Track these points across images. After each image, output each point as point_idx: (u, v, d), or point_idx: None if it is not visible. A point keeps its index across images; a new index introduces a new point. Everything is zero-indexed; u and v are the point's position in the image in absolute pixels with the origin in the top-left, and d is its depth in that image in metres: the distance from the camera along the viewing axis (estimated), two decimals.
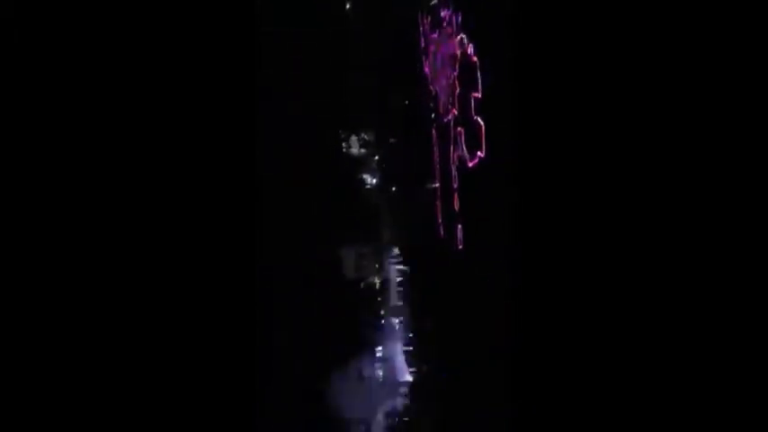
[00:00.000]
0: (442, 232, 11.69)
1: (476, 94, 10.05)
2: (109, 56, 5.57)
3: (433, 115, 11.70)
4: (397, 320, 10.94)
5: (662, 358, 5.38)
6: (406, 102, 11.28)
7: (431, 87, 11.85)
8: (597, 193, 5.89)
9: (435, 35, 11.31)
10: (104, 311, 5.48)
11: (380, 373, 10.73)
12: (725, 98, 5.38)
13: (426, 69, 11.89)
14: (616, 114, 5.82)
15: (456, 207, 10.78)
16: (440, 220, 11.79)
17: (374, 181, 11.31)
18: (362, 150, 11.16)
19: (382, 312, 11.01)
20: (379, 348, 10.89)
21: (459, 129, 10.54)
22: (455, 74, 10.54)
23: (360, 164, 11.23)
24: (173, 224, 5.54)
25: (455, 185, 10.79)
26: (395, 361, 10.92)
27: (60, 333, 5.46)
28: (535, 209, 6.29)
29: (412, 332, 10.89)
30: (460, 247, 10.73)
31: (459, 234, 10.64)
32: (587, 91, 5.98)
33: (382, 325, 10.93)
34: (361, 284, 11.45)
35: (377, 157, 11.28)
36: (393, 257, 11.24)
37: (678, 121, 5.58)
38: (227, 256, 5.84)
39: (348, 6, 10.17)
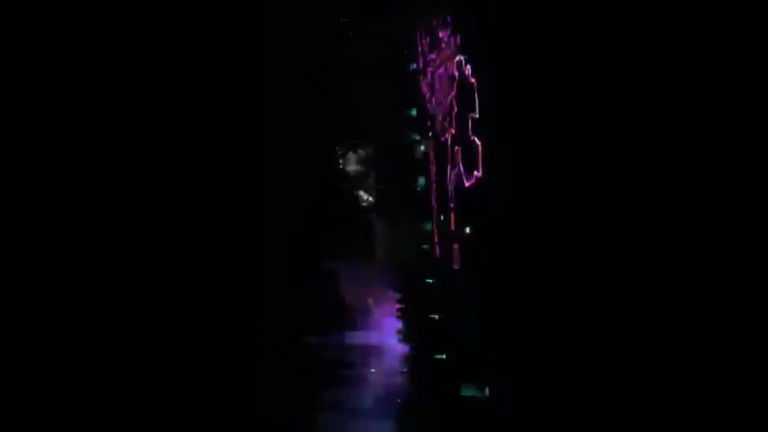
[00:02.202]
0: (438, 252, 11.65)
1: (473, 115, 10.12)
2: (108, 56, 5.54)
3: (430, 134, 11.72)
4: (392, 343, 10.87)
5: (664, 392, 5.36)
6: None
7: (428, 107, 11.88)
8: (596, 214, 5.88)
9: (433, 55, 11.37)
10: (102, 310, 5.42)
11: (370, 400, 10.62)
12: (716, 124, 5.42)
13: (424, 89, 11.94)
14: (613, 133, 5.83)
15: (452, 226, 10.77)
16: (436, 240, 11.76)
17: (370, 198, 11.27)
18: (359, 167, 11.14)
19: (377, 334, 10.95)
20: (373, 371, 10.78)
21: (456, 148, 10.59)
22: (453, 94, 10.60)
23: (356, 181, 11.21)
24: (169, 230, 5.49)
25: (452, 205, 10.79)
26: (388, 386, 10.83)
27: (59, 333, 5.39)
28: (533, 229, 6.27)
29: (409, 356, 10.83)
30: (456, 267, 10.69)
31: (456, 254, 10.61)
32: (585, 111, 5.99)
33: (376, 348, 10.85)
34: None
35: (374, 174, 11.26)
36: (388, 277, 11.18)
37: (681, 149, 5.60)
38: (221, 269, 5.78)
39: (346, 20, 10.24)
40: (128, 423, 5.37)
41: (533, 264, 5.99)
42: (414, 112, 11.28)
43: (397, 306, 11.36)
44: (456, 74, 10.33)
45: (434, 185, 11.37)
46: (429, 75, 11.52)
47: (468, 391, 8.36)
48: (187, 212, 5.49)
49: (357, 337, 10.60)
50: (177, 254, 5.50)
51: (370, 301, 10.70)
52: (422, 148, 11.13)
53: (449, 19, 10.69)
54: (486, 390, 8.61)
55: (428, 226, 11.28)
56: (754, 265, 5.32)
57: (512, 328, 6.16)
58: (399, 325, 11.16)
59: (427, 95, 11.63)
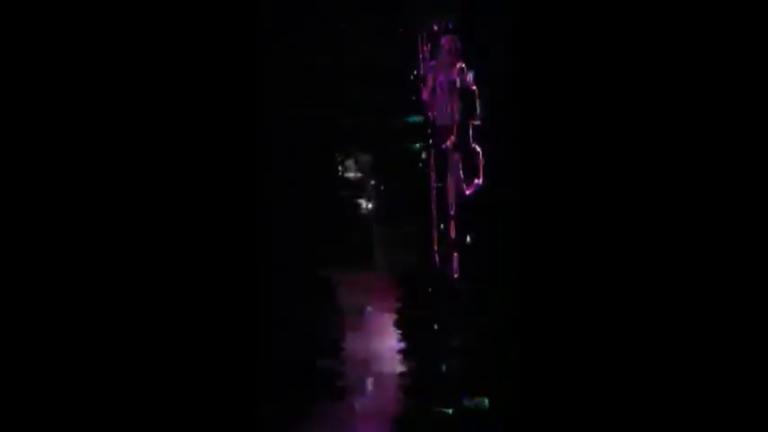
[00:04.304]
0: (437, 260, 11.57)
1: (474, 122, 10.13)
2: (107, 55, 5.50)
3: (430, 141, 11.66)
4: (392, 351, 10.75)
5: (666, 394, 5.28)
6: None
7: (428, 114, 11.82)
8: (597, 222, 5.82)
9: (434, 62, 11.33)
10: (105, 316, 5.36)
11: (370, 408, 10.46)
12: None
13: (424, 96, 11.88)
14: (615, 140, 5.79)
15: (452, 235, 10.74)
16: (435, 248, 11.68)
17: (370, 206, 11.18)
18: (359, 174, 11.04)
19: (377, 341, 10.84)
20: (371, 380, 10.66)
21: (456, 156, 10.59)
22: (453, 101, 10.58)
23: (356, 187, 11.11)
24: (171, 237, 5.43)
25: (452, 213, 10.77)
26: (387, 394, 10.69)
27: (62, 335, 5.32)
28: (534, 238, 6.21)
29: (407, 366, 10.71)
30: (456, 276, 10.64)
31: (456, 263, 10.57)
32: (587, 119, 5.94)
33: (377, 356, 10.73)
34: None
35: (373, 182, 11.18)
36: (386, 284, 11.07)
37: (685, 155, 5.54)
38: (220, 275, 5.71)
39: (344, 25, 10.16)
40: (130, 423, 5.33)
41: (537, 276, 5.94)
42: (414, 120, 11.23)
43: (396, 315, 11.26)
44: (457, 80, 10.30)
45: (434, 193, 11.32)
46: (430, 81, 11.47)
47: (470, 403, 8.25)
48: (189, 219, 5.45)
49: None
50: (179, 261, 5.46)
51: (369, 309, 10.59)
52: (422, 155, 11.10)
53: (451, 25, 10.66)
54: (486, 401, 8.52)
55: (428, 234, 11.20)
56: (756, 267, 5.26)
57: (518, 338, 6.08)
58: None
59: (428, 103, 11.58)
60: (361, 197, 11.26)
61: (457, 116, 10.54)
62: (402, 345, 11.14)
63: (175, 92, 5.69)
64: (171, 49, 5.68)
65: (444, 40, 10.91)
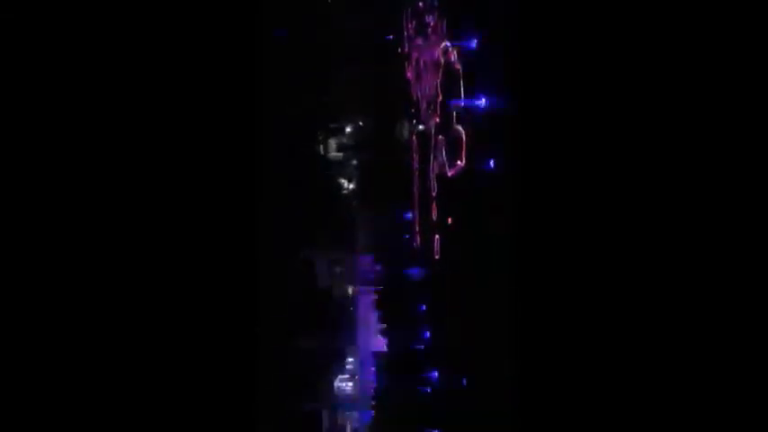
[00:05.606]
0: (418, 241, 11.49)
1: (458, 103, 9.92)
2: (109, 55, 5.35)
3: (414, 121, 11.51)
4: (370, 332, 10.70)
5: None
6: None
7: (412, 93, 11.65)
8: (576, 202, 5.75)
9: (419, 41, 11.13)
10: (100, 312, 5.25)
11: (350, 387, 10.42)
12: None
13: (409, 75, 11.69)
14: (597, 127, 5.72)
15: (434, 216, 10.60)
16: (417, 229, 11.59)
17: (351, 186, 11.03)
18: (340, 154, 10.86)
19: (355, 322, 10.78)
20: (350, 360, 10.61)
21: (439, 137, 10.39)
22: (438, 81, 10.36)
23: (337, 167, 10.94)
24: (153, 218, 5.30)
25: (434, 194, 10.62)
26: (366, 374, 10.65)
27: (63, 335, 5.22)
28: (516, 219, 6.15)
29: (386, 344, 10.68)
30: (437, 257, 10.55)
31: (436, 244, 10.46)
32: (573, 105, 5.86)
33: (354, 337, 10.68)
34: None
35: (355, 162, 11.02)
36: (368, 265, 10.98)
37: (680, 138, 5.48)
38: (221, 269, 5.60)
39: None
40: (127, 422, 5.29)
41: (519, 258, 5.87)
42: (399, 99, 11.07)
43: (376, 296, 11.19)
44: (441, 60, 10.11)
45: (417, 174, 11.19)
46: (414, 60, 11.29)
47: None
48: (187, 210, 5.36)
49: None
50: (177, 248, 5.38)
51: (351, 290, 10.48)
52: (405, 134, 10.94)
53: (436, 3, 10.44)
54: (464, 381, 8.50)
55: (409, 215, 11.10)
56: (756, 267, 5.24)
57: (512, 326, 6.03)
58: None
59: (412, 81, 11.40)
60: (343, 177, 11.14)
61: (441, 97, 10.33)
62: (383, 324, 11.13)
63: (175, 86, 5.56)
64: (169, 42, 5.53)
65: (429, 19, 10.66)
